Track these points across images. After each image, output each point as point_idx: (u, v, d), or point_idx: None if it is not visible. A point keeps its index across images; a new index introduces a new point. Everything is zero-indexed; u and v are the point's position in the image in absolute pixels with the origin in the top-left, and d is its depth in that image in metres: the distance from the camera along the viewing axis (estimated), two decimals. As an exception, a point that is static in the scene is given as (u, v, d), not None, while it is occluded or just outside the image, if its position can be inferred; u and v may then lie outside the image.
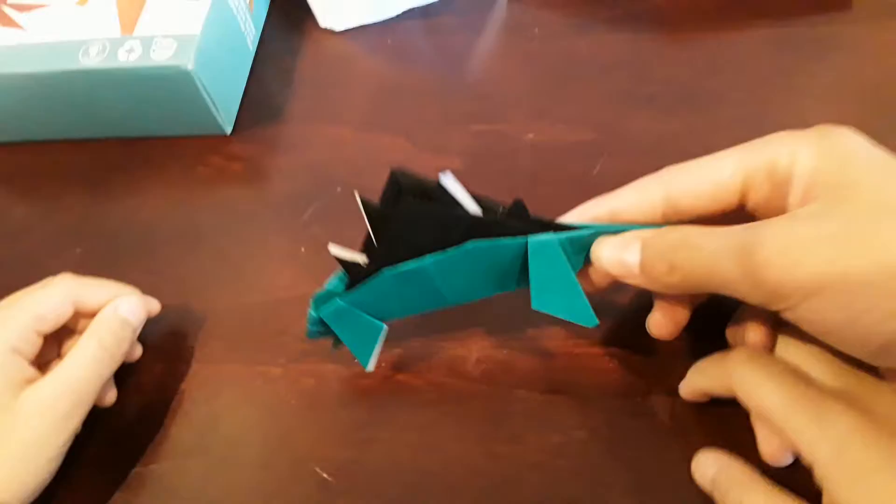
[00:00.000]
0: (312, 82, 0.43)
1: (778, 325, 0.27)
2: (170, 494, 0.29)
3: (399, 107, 0.41)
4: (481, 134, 0.39)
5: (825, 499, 0.23)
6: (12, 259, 0.38)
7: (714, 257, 0.23)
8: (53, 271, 0.37)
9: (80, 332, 0.30)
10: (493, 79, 0.42)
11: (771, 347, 0.27)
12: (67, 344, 0.31)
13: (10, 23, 0.40)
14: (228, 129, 0.41)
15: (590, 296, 0.26)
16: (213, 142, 0.41)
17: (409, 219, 0.26)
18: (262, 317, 0.34)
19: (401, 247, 0.27)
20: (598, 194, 0.35)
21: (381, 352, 0.30)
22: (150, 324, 0.34)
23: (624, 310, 0.32)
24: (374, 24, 0.45)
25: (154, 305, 0.32)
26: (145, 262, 0.37)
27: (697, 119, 0.38)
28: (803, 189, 0.23)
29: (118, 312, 0.30)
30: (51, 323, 0.29)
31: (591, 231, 0.27)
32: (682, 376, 0.29)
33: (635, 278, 0.25)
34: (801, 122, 0.37)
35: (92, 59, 0.38)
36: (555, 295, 0.27)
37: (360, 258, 0.28)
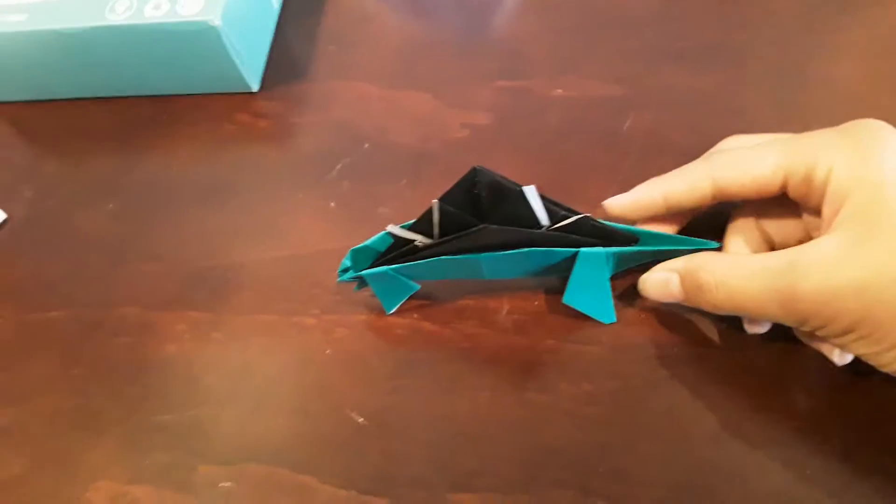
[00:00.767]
0: (337, 40, 0.43)
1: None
2: (206, 441, 0.30)
3: (425, 64, 0.41)
4: (508, 90, 0.39)
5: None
6: (46, 213, 0.38)
7: (758, 303, 0.25)
8: (85, 225, 0.38)
9: None
10: (520, 34, 0.42)
11: None
12: None
13: (36, -21, 0.40)
14: (255, 87, 0.41)
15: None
16: (239, 99, 0.41)
17: (484, 236, 0.27)
18: (293, 270, 0.34)
19: (465, 247, 0.28)
20: (627, 150, 0.36)
21: (414, 305, 0.31)
22: (183, 275, 0.35)
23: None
24: (399, -19, 0.45)
25: None
26: (175, 217, 0.37)
27: (727, 73, 0.38)
28: (837, 203, 0.24)
29: None
30: None
31: (637, 250, 0.29)
32: (709, 327, 0.30)
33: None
34: (830, 78, 0.37)
35: (118, 16, 0.38)
36: (586, 295, 0.30)
37: (417, 237, 0.29)
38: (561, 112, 0.38)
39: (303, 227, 0.36)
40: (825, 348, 0.27)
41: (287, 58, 0.43)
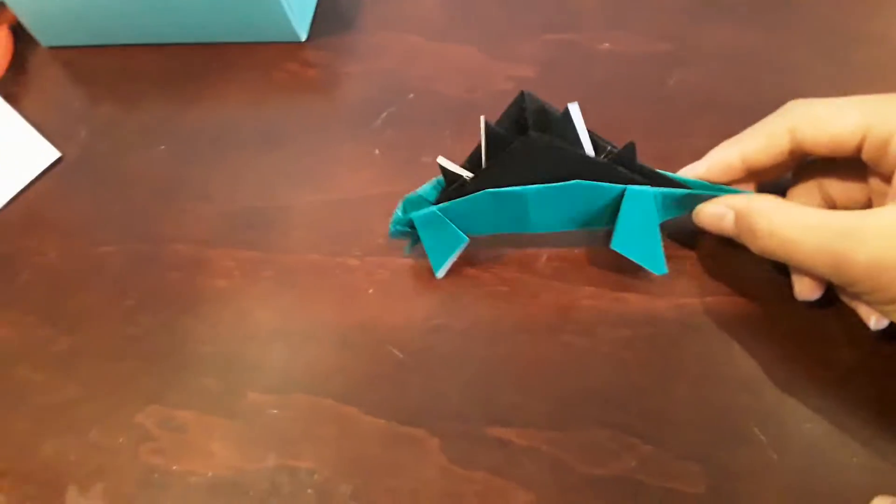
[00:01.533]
0: (384, -9, 0.43)
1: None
2: (254, 371, 0.31)
3: (471, 16, 0.41)
4: (554, 43, 0.39)
5: None
6: (99, 154, 0.40)
7: (809, 258, 0.25)
8: (137, 166, 0.39)
9: None
10: (567, -11, 0.41)
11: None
12: None
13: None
14: (303, 36, 0.42)
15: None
16: (288, 48, 0.42)
17: (528, 149, 0.27)
18: (338, 213, 0.35)
19: (510, 172, 0.28)
20: (672, 107, 0.36)
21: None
22: (232, 215, 0.36)
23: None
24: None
25: None
26: (225, 160, 0.38)
27: (776, 31, 0.37)
28: None
29: None
30: None
31: (686, 192, 0.28)
32: (745, 279, 0.30)
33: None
34: (883, 36, 0.36)
35: (174, -39, 0.39)
36: (636, 241, 0.29)
37: (465, 173, 0.29)
38: (607, 66, 0.38)
39: (348, 173, 0.36)
40: (863, 311, 0.27)
41: (335, 8, 0.43)
